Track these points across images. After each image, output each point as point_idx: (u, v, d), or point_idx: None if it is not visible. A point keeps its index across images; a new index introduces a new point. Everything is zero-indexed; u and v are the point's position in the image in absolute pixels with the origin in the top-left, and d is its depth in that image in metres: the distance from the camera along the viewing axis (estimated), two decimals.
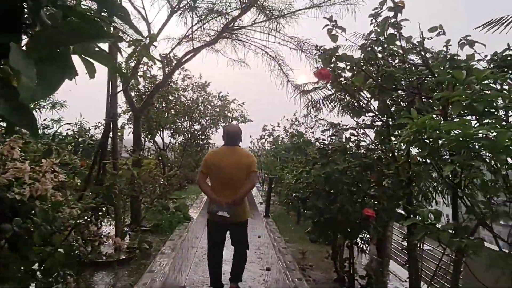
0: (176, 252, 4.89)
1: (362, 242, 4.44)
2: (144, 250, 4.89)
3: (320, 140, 4.69)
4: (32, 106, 5.91)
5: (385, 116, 3.31)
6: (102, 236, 4.07)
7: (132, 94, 8.62)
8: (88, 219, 2.82)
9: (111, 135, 4.85)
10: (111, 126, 4.77)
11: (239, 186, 4.56)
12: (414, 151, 3.15)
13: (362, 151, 3.91)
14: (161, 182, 7.73)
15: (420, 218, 1.97)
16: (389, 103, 3.32)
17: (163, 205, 7.60)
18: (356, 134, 4.22)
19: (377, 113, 3.39)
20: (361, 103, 3.49)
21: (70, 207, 3.18)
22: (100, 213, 3.03)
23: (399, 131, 3.05)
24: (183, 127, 10.90)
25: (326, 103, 6.40)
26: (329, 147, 4.39)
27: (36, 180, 3.13)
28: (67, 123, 5.53)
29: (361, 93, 3.42)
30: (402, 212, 5.17)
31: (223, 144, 4.88)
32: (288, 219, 8.72)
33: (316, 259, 5.69)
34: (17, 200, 2.89)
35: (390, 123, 3.28)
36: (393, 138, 3.49)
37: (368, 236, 4.45)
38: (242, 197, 4.59)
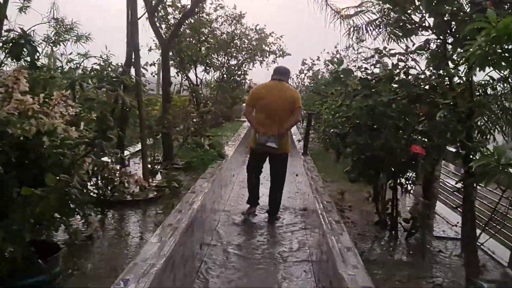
0: (208, 190, 4.67)
1: (407, 182, 3.98)
2: (173, 188, 4.69)
3: (363, 69, 4.14)
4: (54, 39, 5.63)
5: (443, 34, 2.73)
6: (127, 175, 3.85)
7: (163, 26, 8.18)
8: (84, 154, 2.51)
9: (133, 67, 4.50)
10: (133, 56, 4.40)
11: (283, 120, 4.83)
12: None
13: (411, 79, 3.35)
14: (195, 119, 7.49)
15: (491, 157, 1.49)
16: (448, 18, 2.72)
17: (197, 142, 7.38)
18: (404, 60, 3.64)
19: (433, 31, 2.80)
20: (413, 20, 2.91)
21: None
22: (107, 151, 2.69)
23: (461, 51, 2.50)
24: (218, 62, 10.43)
25: (370, 29, 5.68)
26: (373, 76, 3.85)
27: (45, 114, 2.86)
28: (93, 56, 5.19)
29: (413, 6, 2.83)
30: (453, 149, 4.63)
31: (271, 79, 5.13)
32: (327, 157, 8.31)
33: (355, 200, 5.33)
34: (24, 137, 2.65)
35: (449, 41, 2.70)
36: (450, 64, 2.92)
37: (413, 176, 3.99)
38: (287, 129, 4.95)
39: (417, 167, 3.55)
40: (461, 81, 2.76)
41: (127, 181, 3.72)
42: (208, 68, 8.62)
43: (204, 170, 5.78)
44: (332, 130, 4.16)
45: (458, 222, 4.32)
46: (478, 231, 3.68)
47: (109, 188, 3.80)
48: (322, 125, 6.87)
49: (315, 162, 7.36)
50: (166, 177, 5.00)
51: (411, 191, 4.39)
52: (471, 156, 2.49)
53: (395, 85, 3.52)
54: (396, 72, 3.49)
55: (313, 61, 12.50)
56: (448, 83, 2.81)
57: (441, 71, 2.89)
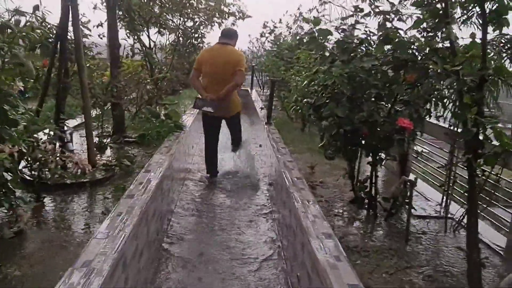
0: (165, 168, 4.11)
1: (387, 158, 3.61)
2: (125, 167, 4.10)
3: (340, 31, 3.64)
4: None
5: None
6: (64, 156, 3.22)
7: None
8: None
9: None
10: (70, 12, 3.67)
11: (226, 83, 4.77)
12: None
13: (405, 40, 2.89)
14: (149, 87, 6.80)
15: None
16: None
17: (152, 112, 6.73)
18: (390, 20, 3.17)
19: None
20: None
21: None
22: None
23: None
24: (173, 23, 9.60)
25: None
26: (353, 38, 3.37)
27: None
28: (25, 13, 4.37)
29: None
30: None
31: (217, 42, 5.07)
32: (292, 126, 7.92)
33: (326, 175, 4.96)
34: None
35: None
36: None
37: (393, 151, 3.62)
38: (224, 94, 4.82)
39: (403, 142, 3.16)
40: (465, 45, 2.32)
41: (64, 163, 3.10)
42: (162, 30, 7.82)
43: (160, 143, 5.19)
44: (305, 100, 3.67)
45: (439, 201, 4.06)
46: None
47: (44, 170, 3.17)
48: (290, 93, 6.39)
49: (280, 132, 6.92)
50: (117, 153, 4.39)
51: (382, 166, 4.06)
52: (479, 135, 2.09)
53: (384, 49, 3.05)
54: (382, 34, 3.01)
55: (275, 23, 11.88)
56: (449, 47, 2.37)
57: (441, 32, 2.44)
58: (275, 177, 5.03)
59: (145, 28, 7.25)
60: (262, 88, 14.60)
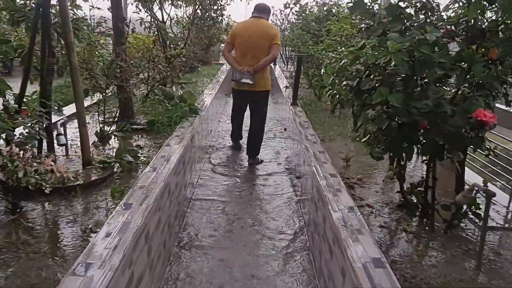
0: (173, 166, 3.45)
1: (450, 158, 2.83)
2: (126, 164, 3.46)
3: None
4: None
5: None
6: (35, 161, 2.57)
7: None
8: None
9: None
10: None
11: (261, 57, 4.88)
12: None
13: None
14: (161, 65, 6.11)
15: None
16: None
17: (166, 93, 6.06)
18: None
19: None
20: None
21: None
22: None
23: None
24: None
25: None
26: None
27: None
28: None
29: None
30: None
31: (251, 16, 5.12)
32: (320, 108, 7.12)
33: (364, 169, 4.21)
34: None
35: None
36: None
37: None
38: (263, 65, 4.92)
39: (481, 140, 2.38)
40: None
41: (36, 169, 2.45)
42: (176, 1, 7.05)
43: (172, 131, 4.53)
44: (344, 82, 2.90)
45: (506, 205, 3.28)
46: None
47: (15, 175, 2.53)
48: (318, 71, 5.59)
49: (307, 115, 6.17)
50: (120, 144, 3.75)
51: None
52: None
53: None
54: None
55: None
56: None
57: None
58: (304, 172, 4.32)
59: (158, 0, 6.51)
60: (286, 63, 13.72)
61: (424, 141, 2.61)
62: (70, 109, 5.19)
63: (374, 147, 2.68)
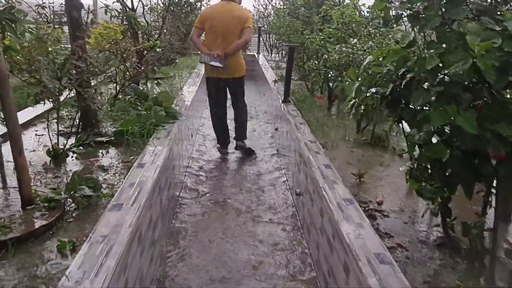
0: (143, 199, 2.63)
1: None
2: (82, 201, 2.61)
3: None
4: None
5: None
6: None
7: None
8: None
9: None
10: None
11: (233, 41, 4.64)
12: None
13: None
14: (131, 60, 5.23)
15: None
16: None
17: (138, 93, 5.20)
18: None
19: None
20: None
21: None
22: None
23: None
24: None
25: None
26: None
27: None
28: None
29: None
30: None
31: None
32: (315, 103, 6.36)
33: (381, 186, 3.46)
34: None
35: None
36: None
37: None
38: (234, 49, 4.66)
39: None
40: None
41: None
42: None
43: (145, 143, 3.69)
44: (372, 89, 2.12)
45: None
46: None
47: None
48: (317, 65, 4.80)
49: (303, 115, 5.39)
50: (73, 176, 2.90)
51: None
52: None
53: None
54: None
55: None
56: None
57: None
58: (307, 189, 3.54)
59: None
60: (270, 52, 12.87)
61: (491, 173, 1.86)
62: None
63: (424, 183, 1.91)
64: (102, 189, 2.81)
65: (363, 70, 2.17)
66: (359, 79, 2.23)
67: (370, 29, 4.01)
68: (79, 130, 3.92)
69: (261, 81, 9.54)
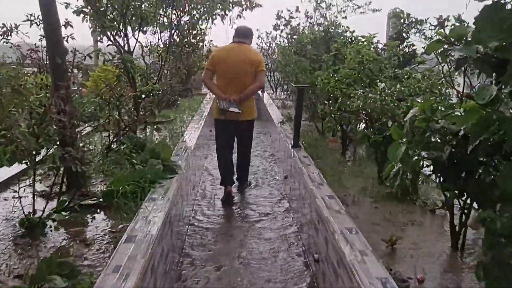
0: None
1: None
2: None
3: None
4: None
5: None
6: None
7: None
8: None
9: None
10: None
11: (246, 84, 4.63)
12: None
13: None
14: (127, 107, 4.79)
15: None
16: None
17: (135, 143, 4.73)
18: None
19: None
20: None
21: None
22: None
23: None
24: (163, 17, 7.55)
25: None
26: None
27: None
28: None
29: None
30: None
31: (232, 41, 4.86)
32: (326, 147, 5.86)
33: (418, 256, 2.87)
34: None
35: None
36: None
37: None
38: (249, 94, 4.68)
39: None
40: None
41: None
42: (144, 26, 5.71)
43: (139, 206, 3.16)
44: (424, 152, 1.60)
45: None
46: None
47: None
48: (333, 110, 4.32)
49: (314, 160, 4.87)
50: (42, 261, 2.37)
51: None
52: None
53: None
54: None
55: (291, 13, 9.76)
56: None
57: None
58: (328, 257, 2.97)
59: (121, 24, 5.20)
60: (274, 90, 12.51)
61: None
62: None
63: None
64: (80, 276, 2.26)
65: (409, 128, 1.67)
66: (404, 139, 1.73)
67: (395, 70, 3.56)
68: (64, 190, 3.40)
69: (267, 121, 9.09)
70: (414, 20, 4.17)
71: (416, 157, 1.67)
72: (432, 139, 1.65)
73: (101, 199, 3.43)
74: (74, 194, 3.33)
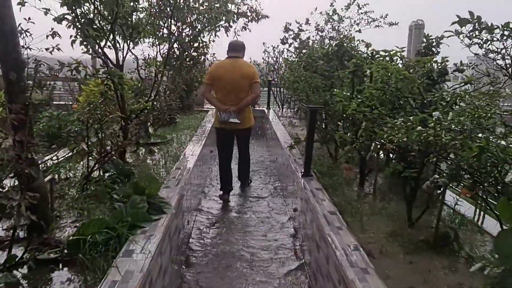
0: None
1: None
2: None
3: None
4: None
5: None
6: None
7: None
8: None
9: None
10: None
11: (243, 96, 5.20)
12: None
13: None
14: (114, 128, 4.13)
15: None
16: None
17: (119, 170, 4.07)
18: None
19: None
20: None
21: None
22: None
23: None
24: (162, 28, 6.91)
25: None
26: None
27: None
28: None
29: None
30: None
31: (226, 57, 5.35)
32: (341, 175, 5.12)
33: None
34: None
35: None
36: None
37: None
38: (246, 104, 5.26)
39: None
40: None
41: None
42: (136, 36, 5.04)
43: (110, 264, 2.45)
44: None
45: None
46: None
47: None
48: (354, 137, 3.63)
49: (332, 198, 4.14)
50: None
51: None
52: None
53: None
54: None
55: (300, 25, 9.10)
56: None
57: None
58: None
59: (110, 35, 4.53)
60: (281, 107, 11.82)
61: None
62: None
63: None
64: None
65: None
66: None
67: (443, 93, 2.85)
68: (22, 236, 2.70)
69: (273, 143, 8.38)
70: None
71: None
72: None
73: (66, 250, 2.71)
74: (28, 245, 2.61)
